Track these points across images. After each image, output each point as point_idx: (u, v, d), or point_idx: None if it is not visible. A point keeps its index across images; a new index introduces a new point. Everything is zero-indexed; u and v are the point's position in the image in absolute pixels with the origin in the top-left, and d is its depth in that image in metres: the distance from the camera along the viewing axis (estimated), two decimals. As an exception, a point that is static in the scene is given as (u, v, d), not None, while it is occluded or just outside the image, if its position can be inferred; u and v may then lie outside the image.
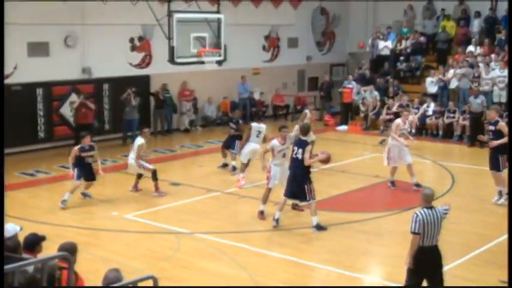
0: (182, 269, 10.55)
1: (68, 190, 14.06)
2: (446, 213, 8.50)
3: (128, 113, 20.74)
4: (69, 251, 6.80)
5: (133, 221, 13.08)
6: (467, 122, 21.02)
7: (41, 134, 20.04)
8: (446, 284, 8.59)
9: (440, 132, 21.84)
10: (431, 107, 22.27)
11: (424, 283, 8.44)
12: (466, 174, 16.81)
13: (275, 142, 13.07)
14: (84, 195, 14.71)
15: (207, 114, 24.48)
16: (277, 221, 12.39)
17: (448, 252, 11.00)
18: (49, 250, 7.06)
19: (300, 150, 12.04)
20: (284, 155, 13.02)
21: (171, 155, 19.66)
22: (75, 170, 14.15)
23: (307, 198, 12.09)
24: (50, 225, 12.33)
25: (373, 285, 10.35)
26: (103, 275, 6.55)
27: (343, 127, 24.19)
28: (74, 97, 20.39)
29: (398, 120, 15.51)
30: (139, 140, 15.07)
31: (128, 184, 16.01)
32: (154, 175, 14.90)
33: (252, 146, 15.84)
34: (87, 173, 14.43)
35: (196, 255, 11.16)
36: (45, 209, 13.99)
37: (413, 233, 8.19)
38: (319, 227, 12.11)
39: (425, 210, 8.25)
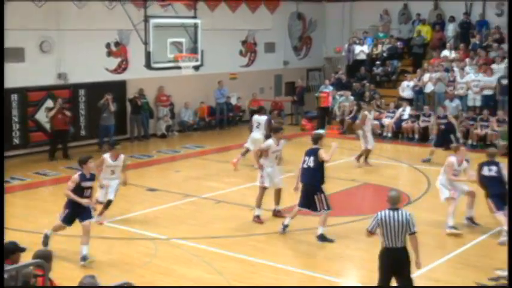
0: (159, 275, 10.50)
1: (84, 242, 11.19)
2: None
3: (105, 118, 20.63)
4: (44, 258, 6.76)
5: (109, 227, 12.99)
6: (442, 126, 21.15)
7: (16, 140, 19.85)
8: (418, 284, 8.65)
9: (416, 136, 22.00)
10: (407, 111, 22.43)
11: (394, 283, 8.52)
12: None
13: (271, 142, 13.12)
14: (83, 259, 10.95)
15: (184, 119, 24.43)
16: (285, 227, 12.21)
17: (424, 255, 11.09)
18: (25, 258, 7.01)
19: (312, 158, 11.90)
20: (277, 157, 13.21)
21: (147, 161, 19.59)
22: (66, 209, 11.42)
23: (318, 209, 11.87)
24: (25, 233, 12.22)
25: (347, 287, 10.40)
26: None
27: (321, 131, 24.21)
28: (49, 103, 20.24)
29: (452, 159, 12.88)
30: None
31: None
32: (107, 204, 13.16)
33: (253, 135, 17.07)
34: (82, 213, 11.24)
35: (174, 261, 11.12)
36: (20, 216, 13.85)
37: (368, 231, 8.45)
38: (324, 238, 11.89)
39: (387, 211, 8.33)
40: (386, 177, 16.21)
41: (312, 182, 11.91)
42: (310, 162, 11.92)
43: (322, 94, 25.10)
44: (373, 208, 12.61)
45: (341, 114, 24.16)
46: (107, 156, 13.25)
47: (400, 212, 8.34)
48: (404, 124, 22.24)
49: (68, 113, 19.82)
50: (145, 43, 16.26)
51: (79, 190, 11.08)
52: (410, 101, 23.18)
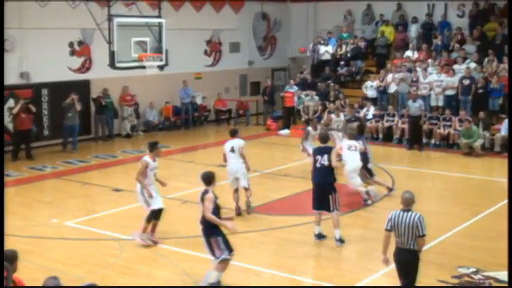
0: (125, 275, 10.43)
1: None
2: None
3: (69, 118, 20.41)
4: (10, 258, 6.66)
5: (73, 228, 12.88)
6: (406, 126, 21.43)
7: (-23, 140, 19.53)
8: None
9: (380, 136, 22.21)
10: (371, 110, 22.63)
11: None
12: (405, 177, 17.11)
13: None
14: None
15: (149, 119, 24.30)
16: (318, 236, 11.92)
17: (389, 254, 11.21)
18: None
19: (326, 157, 11.57)
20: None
21: (112, 161, 19.44)
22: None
23: (331, 209, 11.67)
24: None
25: (315, 286, 10.45)
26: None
27: (285, 131, 24.35)
28: (11, 102, 19.95)
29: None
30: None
31: (68, 191, 15.78)
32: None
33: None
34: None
35: (139, 262, 11.06)
36: (-18, 217, 13.63)
37: (385, 229, 8.46)
38: (342, 241, 11.75)
39: (399, 211, 8.40)
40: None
41: (328, 181, 11.64)
42: (325, 161, 11.58)
43: (287, 94, 25.20)
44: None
45: (306, 114, 24.25)
46: (147, 158, 11.95)
47: (410, 213, 8.32)
48: (368, 124, 22.42)
49: (32, 108, 19.56)
50: (109, 42, 16.15)
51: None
52: (374, 101, 23.39)
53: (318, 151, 11.83)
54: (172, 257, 11.23)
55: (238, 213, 13.34)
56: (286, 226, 12.83)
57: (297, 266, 10.96)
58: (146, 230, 11.81)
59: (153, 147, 11.98)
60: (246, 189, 13.51)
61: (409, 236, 8.25)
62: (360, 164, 14.28)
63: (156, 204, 11.76)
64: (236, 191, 13.52)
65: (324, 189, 11.67)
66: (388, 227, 8.41)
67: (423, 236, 8.26)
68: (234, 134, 13.71)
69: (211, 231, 9.56)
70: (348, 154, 14.11)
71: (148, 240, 11.72)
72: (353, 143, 14.27)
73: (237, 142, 13.51)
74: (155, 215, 11.81)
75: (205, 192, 9.63)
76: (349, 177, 14.27)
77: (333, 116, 18.66)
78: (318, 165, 11.66)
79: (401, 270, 8.49)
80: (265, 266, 10.90)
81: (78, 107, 20.34)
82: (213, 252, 9.60)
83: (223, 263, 9.60)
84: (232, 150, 13.46)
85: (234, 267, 10.71)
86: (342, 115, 18.99)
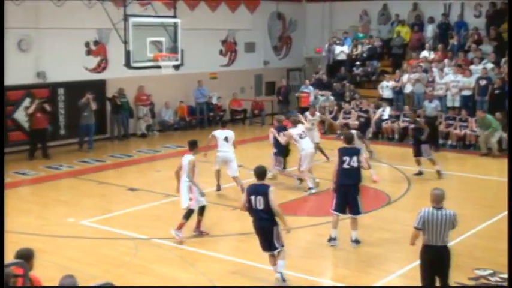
0: (140, 275, 10.45)
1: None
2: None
3: (85, 117, 20.50)
4: (26, 256, 6.69)
5: (89, 227, 12.92)
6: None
7: (-6, 140, 19.64)
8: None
9: (396, 136, 22.10)
10: (386, 111, 22.52)
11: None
12: (421, 178, 17.02)
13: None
14: None
15: (164, 118, 24.34)
16: (334, 239, 11.69)
17: (404, 254, 11.16)
18: (5, 258, 6.92)
19: (355, 158, 11.47)
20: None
21: (128, 160, 19.49)
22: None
23: (360, 211, 11.59)
24: (4, 232, 12.06)
25: (331, 287, 10.42)
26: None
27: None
28: (28, 102, 20.05)
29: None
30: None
31: (84, 190, 15.85)
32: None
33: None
34: None
35: (154, 261, 11.07)
36: (-1, 215, 13.70)
37: (414, 227, 8.40)
38: (358, 242, 11.69)
39: (430, 209, 8.35)
40: (366, 177, 16.18)
41: (356, 183, 11.56)
42: (354, 162, 11.45)
43: (302, 94, 25.14)
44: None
45: (322, 114, 24.17)
46: (194, 157, 12.10)
47: (444, 211, 8.32)
48: (384, 124, 22.33)
49: (48, 108, 19.66)
50: (125, 42, 16.15)
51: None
52: (390, 101, 23.28)
53: (346, 152, 11.64)
54: (188, 256, 11.24)
55: (219, 189, 15.18)
56: (302, 226, 12.79)
57: (313, 267, 10.92)
58: (182, 227, 11.91)
59: (194, 145, 12.26)
60: (236, 177, 14.87)
61: (443, 233, 8.28)
62: (313, 150, 15.78)
63: (202, 202, 12.10)
64: (218, 171, 15.21)
65: (353, 191, 11.56)
66: (420, 226, 8.32)
67: (453, 227, 8.40)
68: (224, 125, 15.72)
69: (275, 221, 9.75)
70: (302, 141, 15.37)
71: (181, 236, 11.89)
72: (301, 129, 15.65)
73: (230, 133, 15.15)
74: (200, 212, 12.12)
75: (266, 186, 9.74)
76: (304, 164, 15.45)
77: (307, 114, 18.67)
78: (346, 166, 11.49)
79: (436, 267, 8.41)
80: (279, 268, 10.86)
81: (94, 106, 20.42)
82: (270, 243, 9.76)
83: (284, 252, 9.87)
84: (226, 139, 14.99)
85: (250, 267, 10.72)
86: (317, 114, 18.79)
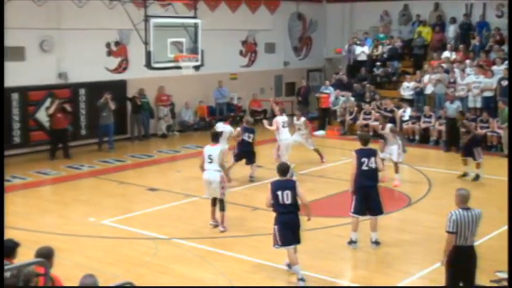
0: (160, 274, 10.49)
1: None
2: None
3: (104, 117, 20.61)
4: (46, 255, 6.74)
5: (110, 227, 12.98)
6: (443, 127, 21.19)
7: (17, 139, 19.82)
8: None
9: (417, 137, 21.98)
10: (407, 112, 22.40)
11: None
12: (442, 179, 16.92)
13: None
14: None
15: (184, 119, 24.41)
16: (354, 242, 11.66)
17: (425, 256, 11.10)
18: (25, 256, 6.99)
19: (373, 159, 11.42)
20: None
21: (148, 160, 19.57)
22: None
23: (382, 211, 11.57)
24: (26, 231, 12.18)
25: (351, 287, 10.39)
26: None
27: (321, 132, 24.25)
28: (49, 102, 20.18)
29: None
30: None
31: (105, 190, 15.94)
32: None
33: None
34: None
35: (174, 261, 11.11)
36: (21, 214, 13.84)
37: (448, 232, 8.26)
38: (378, 243, 11.64)
39: (460, 210, 8.29)
40: (387, 179, 16.15)
41: (375, 184, 11.54)
42: (372, 163, 11.42)
43: (322, 95, 25.08)
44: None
45: (342, 115, 24.16)
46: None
47: (472, 211, 8.30)
48: (405, 125, 22.21)
49: (68, 108, 19.80)
50: (146, 43, 16.22)
51: None
52: (410, 102, 23.15)
53: (363, 153, 11.57)
54: (208, 256, 11.26)
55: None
56: (321, 228, 12.75)
57: (332, 268, 10.90)
58: (224, 218, 12.57)
59: (218, 137, 13.03)
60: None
61: (472, 233, 8.26)
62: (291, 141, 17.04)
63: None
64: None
65: (373, 192, 11.51)
66: (455, 229, 8.22)
67: None
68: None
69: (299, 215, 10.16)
70: (283, 131, 16.68)
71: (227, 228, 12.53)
72: (286, 119, 16.92)
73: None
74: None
75: (292, 181, 10.16)
76: (282, 154, 16.55)
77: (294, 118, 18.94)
78: (364, 167, 11.43)
79: (464, 268, 8.36)
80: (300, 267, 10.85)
81: (112, 105, 20.51)
82: (297, 236, 10.17)
83: None
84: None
85: (269, 268, 10.72)
86: (302, 119, 18.78)
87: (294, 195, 9.94)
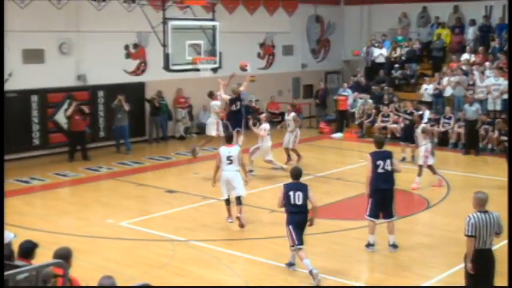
0: (177, 276, 10.51)
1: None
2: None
3: (119, 119, 20.70)
4: (64, 256, 6.77)
5: (128, 229, 13.04)
6: (462, 130, 21.05)
7: (36, 141, 19.97)
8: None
9: (436, 140, 21.82)
10: (426, 114, 22.22)
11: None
12: (461, 182, 16.81)
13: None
14: None
15: (202, 121, 24.43)
16: (372, 245, 11.58)
17: (444, 260, 11.03)
18: (44, 257, 7.03)
19: (389, 161, 11.37)
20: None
21: (166, 162, 19.63)
22: None
23: (393, 215, 11.53)
24: (44, 232, 12.28)
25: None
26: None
27: (339, 135, 24.19)
28: (67, 104, 20.30)
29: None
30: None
31: (123, 191, 16.01)
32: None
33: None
34: None
35: (192, 263, 11.13)
36: (39, 216, 13.96)
37: (467, 235, 8.22)
38: (396, 246, 11.58)
39: (478, 214, 8.25)
40: (405, 181, 16.04)
41: (392, 187, 11.48)
42: (388, 165, 11.37)
43: (340, 97, 25.02)
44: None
45: (360, 118, 24.09)
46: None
47: (490, 214, 8.27)
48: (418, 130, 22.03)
49: (86, 109, 19.89)
50: (164, 45, 16.28)
51: None
52: (429, 105, 23.01)
53: (379, 156, 11.54)
54: (225, 258, 11.28)
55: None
56: (339, 230, 12.74)
57: (349, 271, 10.86)
58: (241, 212, 12.88)
59: (232, 138, 13.62)
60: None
61: (491, 236, 8.23)
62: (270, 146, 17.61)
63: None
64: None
65: (389, 195, 11.47)
66: (474, 233, 8.18)
67: (501, 233, 8.34)
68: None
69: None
70: (268, 137, 17.31)
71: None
72: (267, 126, 17.63)
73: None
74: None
75: (304, 184, 10.55)
76: (268, 154, 17.44)
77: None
78: (380, 170, 11.39)
79: (484, 271, 8.32)
80: (316, 269, 10.82)
81: (126, 107, 20.56)
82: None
83: None
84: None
85: (285, 270, 10.70)
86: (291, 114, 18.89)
87: (305, 198, 10.29)
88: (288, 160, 18.34)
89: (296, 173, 10.58)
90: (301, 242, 10.28)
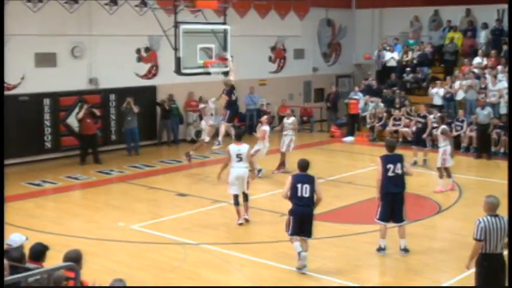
0: (188, 280, 10.50)
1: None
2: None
3: (128, 122, 20.77)
4: (74, 259, 6.79)
5: (139, 232, 13.05)
6: (474, 134, 20.95)
7: (48, 144, 20.06)
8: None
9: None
10: (436, 117, 22.13)
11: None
12: (473, 186, 16.73)
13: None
14: None
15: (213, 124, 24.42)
16: (383, 249, 11.54)
17: (456, 264, 10.97)
18: (55, 260, 7.07)
19: (399, 165, 11.29)
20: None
21: (177, 166, 19.65)
22: None
23: (404, 219, 11.45)
24: (56, 235, 12.33)
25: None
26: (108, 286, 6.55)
27: (350, 138, 24.15)
28: (78, 107, 20.35)
29: None
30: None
31: (134, 195, 16.04)
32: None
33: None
34: None
35: (203, 266, 11.13)
36: (51, 219, 14.00)
37: (476, 239, 8.20)
38: (407, 250, 11.52)
39: (488, 217, 8.22)
40: (416, 185, 16.03)
41: (402, 190, 11.42)
42: (398, 169, 11.31)
43: (351, 101, 24.97)
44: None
45: (371, 121, 24.03)
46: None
47: (501, 218, 8.23)
48: (434, 131, 21.94)
49: (97, 112, 19.94)
50: (175, 49, 16.31)
51: None
52: (440, 108, 22.90)
53: (389, 159, 11.47)
54: (235, 262, 11.27)
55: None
56: (350, 234, 12.71)
57: (360, 275, 10.85)
58: (248, 209, 13.49)
59: (241, 136, 13.94)
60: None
61: (502, 240, 8.17)
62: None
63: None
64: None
65: (399, 199, 11.41)
66: (483, 237, 8.14)
67: None
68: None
69: None
70: (267, 139, 17.54)
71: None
72: (268, 128, 17.78)
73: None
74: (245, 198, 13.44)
75: (312, 176, 10.68)
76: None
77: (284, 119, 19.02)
78: (390, 174, 11.33)
79: (494, 276, 8.26)
80: (327, 273, 10.81)
81: (136, 109, 20.61)
82: (311, 230, 10.74)
83: None
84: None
85: (296, 274, 10.68)
86: (291, 118, 18.81)
87: (312, 190, 10.50)
88: (279, 167, 18.21)
89: (303, 165, 10.69)
90: (294, 233, 10.67)
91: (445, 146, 16.05)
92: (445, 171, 16.11)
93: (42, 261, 7.22)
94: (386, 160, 11.48)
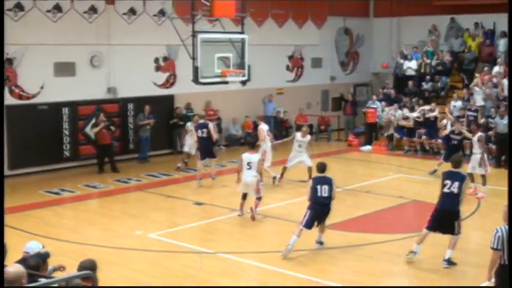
0: (204, 288, 10.51)
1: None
2: None
3: (143, 130, 21.09)
4: (89, 268, 6.75)
5: (156, 240, 13.08)
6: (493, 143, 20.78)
7: (66, 153, 20.18)
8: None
9: (467, 152, 21.54)
10: (449, 124, 21.92)
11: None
12: (491, 195, 16.57)
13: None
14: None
15: (231, 133, 24.50)
16: (414, 253, 11.49)
17: (475, 274, 10.87)
18: (72, 269, 7.07)
19: (457, 184, 11.10)
20: None
21: (194, 175, 19.60)
22: None
23: (456, 233, 11.29)
24: (73, 244, 12.38)
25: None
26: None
27: (367, 147, 24.06)
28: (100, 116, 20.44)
29: None
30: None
31: (152, 203, 16.08)
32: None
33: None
34: None
35: (219, 275, 11.12)
36: (68, 227, 14.06)
37: (493, 248, 8.12)
38: (451, 262, 11.36)
39: (506, 226, 8.13)
40: (435, 195, 15.95)
41: (455, 209, 11.19)
42: (455, 188, 11.11)
43: (369, 109, 24.89)
44: (420, 226, 12.44)
45: (387, 127, 23.90)
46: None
47: None
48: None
49: (113, 128, 20.07)
50: (193, 58, 16.36)
51: None
52: (458, 117, 22.72)
53: (449, 176, 11.33)
54: (252, 271, 11.25)
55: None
56: (367, 244, 12.64)
57: (378, 284, 10.76)
58: (258, 206, 14.36)
59: (255, 147, 14.98)
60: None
61: None
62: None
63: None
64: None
65: (450, 216, 11.22)
66: (500, 246, 8.05)
67: None
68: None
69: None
70: (268, 138, 18.04)
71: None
72: (266, 127, 18.37)
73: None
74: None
75: (329, 177, 12.02)
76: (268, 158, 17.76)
77: (297, 134, 18.40)
78: (446, 190, 11.19)
79: None
80: (344, 282, 10.76)
81: (152, 123, 21.16)
82: (324, 224, 12.11)
83: None
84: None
85: (313, 283, 10.64)
86: (308, 137, 18.35)
87: (331, 190, 11.80)
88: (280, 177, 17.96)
89: (322, 167, 12.12)
90: (308, 227, 11.76)
91: (479, 153, 16.33)
92: (481, 178, 16.42)
93: (44, 270, 7.18)
94: (446, 175, 11.39)
